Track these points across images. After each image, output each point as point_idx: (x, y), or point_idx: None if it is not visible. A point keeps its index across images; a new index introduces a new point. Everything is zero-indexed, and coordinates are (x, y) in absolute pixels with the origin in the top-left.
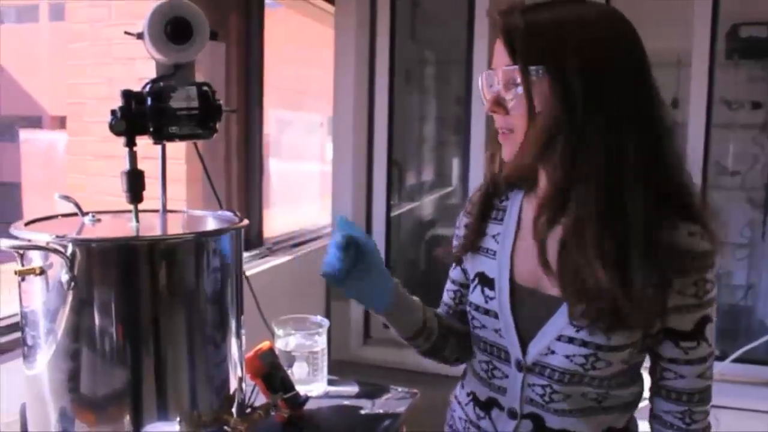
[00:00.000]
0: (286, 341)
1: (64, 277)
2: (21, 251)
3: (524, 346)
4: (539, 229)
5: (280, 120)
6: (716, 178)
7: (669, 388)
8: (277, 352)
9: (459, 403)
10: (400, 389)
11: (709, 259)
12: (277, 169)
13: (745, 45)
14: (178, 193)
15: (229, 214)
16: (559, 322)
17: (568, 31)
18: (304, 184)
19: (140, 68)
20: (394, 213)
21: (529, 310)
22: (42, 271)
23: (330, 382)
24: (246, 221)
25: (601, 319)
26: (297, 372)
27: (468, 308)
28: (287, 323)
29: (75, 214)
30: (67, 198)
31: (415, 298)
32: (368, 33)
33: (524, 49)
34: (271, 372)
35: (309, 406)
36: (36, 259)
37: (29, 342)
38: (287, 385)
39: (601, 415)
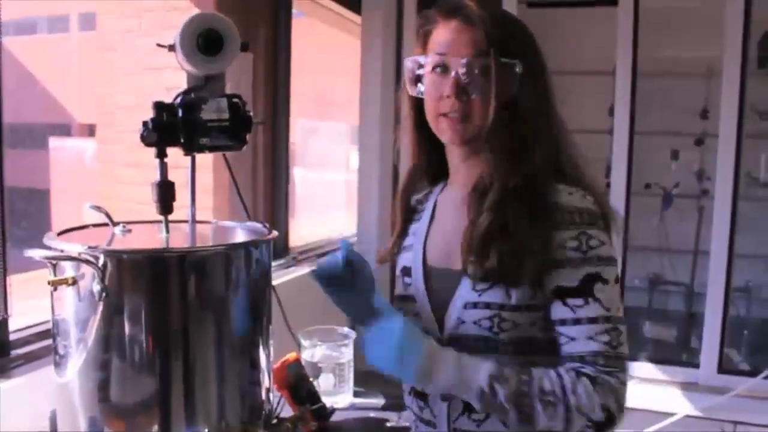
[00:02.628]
0: (312, 352)
1: (96, 287)
2: (54, 261)
3: (441, 324)
4: (473, 204)
5: (305, 129)
6: (747, 190)
7: (565, 353)
8: (303, 364)
9: (408, 407)
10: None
11: (594, 218)
12: (302, 177)
13: None
14: (204, 201)
15: (257, 225)
16: (463, 291)
17: (519, 27)
18: (330, 193)
19: (169, 78)
20: None
21: (439, 287)
22: (74, 281)
23: (356, 394)
24: (275, 233)
25: (493, 275)
26: (323, 383)
27: (395, 303)
28: (314, 334)
29: (106, 224)
30: (98, 208)
31: None
32: (394, 42)
33: (496, 40)
34: (298, 383)
35: (335, 417)
36: (68, 269)
37: (60, 350)
38: (313, 397)
39: None
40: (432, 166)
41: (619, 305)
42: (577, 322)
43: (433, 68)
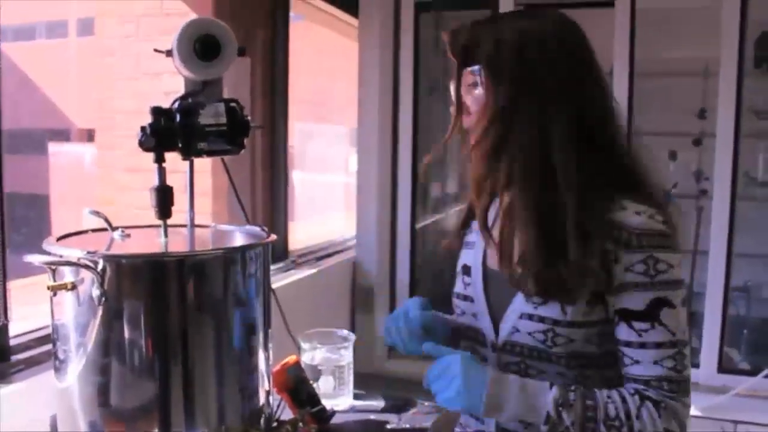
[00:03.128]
0: (312, 355)
1: (95, 292)
2: (53, 267)
3: (497, 327)
4: (497, 217)
5: (304, 132)
6: (745, 189)
7: (629, 375)
8: (303, 366)
9: None
10: (426, 403)
11: (663, 240)
12: (301, 180)
13: None
14: (203, 205)
15: (256, 228)
16: (519, 301)
17: (503, 39)
18: (329, 196)
19: (167, 83)
20: (419, 225)
21: (499, 292)
22: (73, 286)
23: (356, 396)
24: (273, 236)
25: (548, 291)
26: (323, 386)
27: (453, 299)
28: (313, 337)
29: (105, 229)
30: (97, 213)
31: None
32: (392, 45)
33: (464, 59)
34: (298, 386)
35: (335, 420)
36: (68, 274)
37: (60, 355)
38: (313, 399)
39: None
40: None
41: (685, 328)
42: (642, 346)
43: None
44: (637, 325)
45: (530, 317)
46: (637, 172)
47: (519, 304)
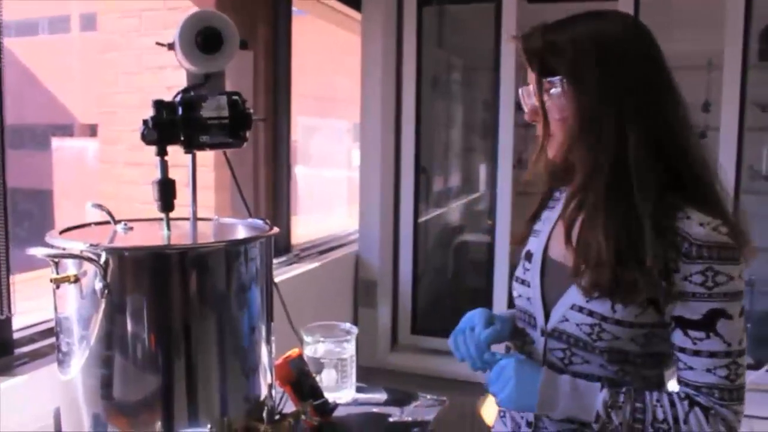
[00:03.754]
0: (314, 348)
1: (98, 284)
2: (56, 259)
3: (548, 314)
4: (567, 210)
5: (307, 126)
6: (749, 183)
7: (681, 379)
8: (305, 359)
9: None
10: (428, 396)
11: (724, 252)
12: (304, 175)
13: None
14: (206, 200)
15: (258, 222)
16: (573, 292)
17: (584, 48)
18: (331, 190)
19: (170, 77)
20: (422, 219)
21: (554, 281)
22: (76, 279)
23: (358, 389)
24: (276, 229)
25: (602, 288)
26: (326, 379)
27: (513, 282)
28: (316, 330)
29: (107, 223)
30: (99, 206)
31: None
32: (395, 40)
33: (543, 67)
34: (300, 379)
35: (338, 413)
36: (70, 267)
37: (64, 348)
38: (316, 392)
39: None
40: None
41: (741, 337)
42: (696, 353)
43: None
44: (693, 333)
45: (580, 309)
46: (706, 181)
47: (572, 295)
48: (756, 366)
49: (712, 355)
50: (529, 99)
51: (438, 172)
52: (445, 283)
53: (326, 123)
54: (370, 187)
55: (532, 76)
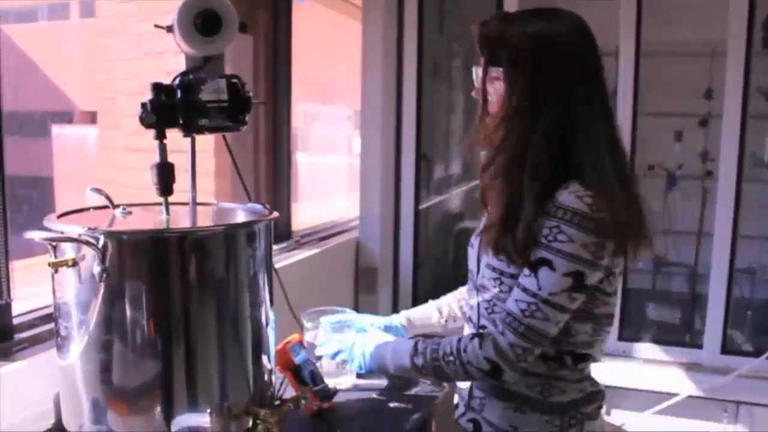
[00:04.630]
0: (314, 334)
1: (96, 268)
2: (54, 243)
3: (479, 271)
4: (480, 178)
5: (307, 113)
6: (752, 171)
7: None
8: (306, 345)
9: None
10: (428, 383)
11: (577, 217)
12: (304, 161)
13: None
14: (206, 186)
15: (258, 206)
16: (489, 255)
17: (525, 46)
18: (332, 177)
19: (170, 62)
20: (422, 206)
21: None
22: (75, 263)
23: (358, 375)
24: (275, 213)
25: (489, 247)
26: (325, 365)
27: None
28: (315, 316)
29: (106, 207)
30: (98, 191)
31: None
32: (396, 26)
33: (491, 56)
34: (300, 364)
35: (337, 398)
36: (69, 251)
37: (62, 333)
38: (316, 378)
39: None
40: None
41: (555, 291)
42: (518, 286)
43: None
44: (526, 270)
45: (489, 266)
46: (605, 173)
47: (489, 255)
48: (756, 354)
49: (524, 290)
50: (477, 80)
51: (439, 159)
52: (445, 269)
53: (327, 109)
54: (370, 174)
55: (482, 60)
